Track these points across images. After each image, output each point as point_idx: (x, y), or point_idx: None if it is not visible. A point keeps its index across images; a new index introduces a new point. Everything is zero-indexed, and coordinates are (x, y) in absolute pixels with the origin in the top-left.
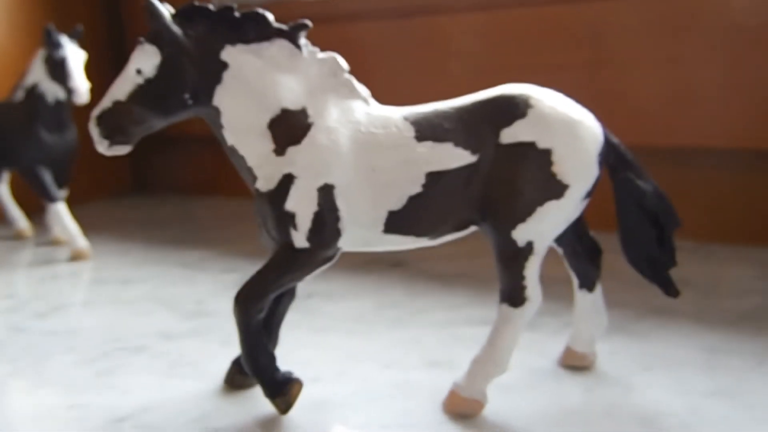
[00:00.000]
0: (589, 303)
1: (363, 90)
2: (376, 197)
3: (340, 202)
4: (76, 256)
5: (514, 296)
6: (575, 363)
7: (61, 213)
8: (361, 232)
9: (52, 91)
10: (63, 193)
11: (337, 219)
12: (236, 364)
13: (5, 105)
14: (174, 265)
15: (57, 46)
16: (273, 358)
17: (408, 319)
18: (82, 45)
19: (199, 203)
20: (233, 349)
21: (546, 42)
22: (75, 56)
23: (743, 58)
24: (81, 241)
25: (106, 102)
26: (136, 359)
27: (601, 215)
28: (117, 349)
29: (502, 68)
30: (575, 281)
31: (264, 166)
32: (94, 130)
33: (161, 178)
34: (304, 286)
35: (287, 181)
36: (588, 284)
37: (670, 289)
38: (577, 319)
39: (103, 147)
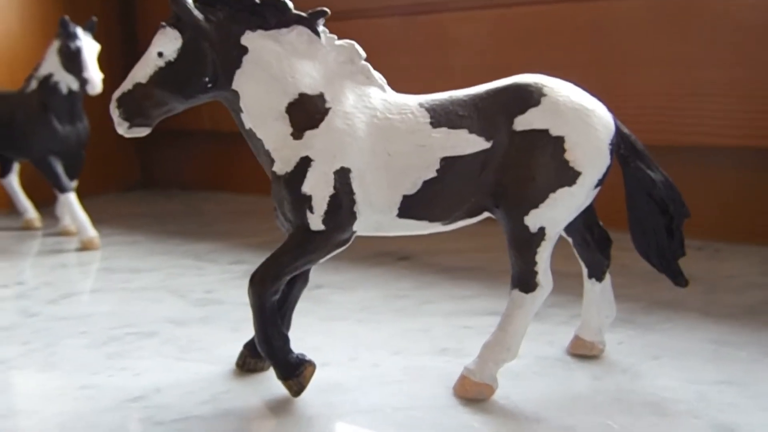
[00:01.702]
0: (597, 292)
1: (379, 77)
2: (391, 181)
3: (356, 186)
4: (85, 246)
5: (525, 282)
6: (583, 352)
7: (71, 203)
8: (375, 216)
9: (66, 81)
10: (74, 183)
11: (352, 202)
12: (248, 347)
13: (18, 95)
14: (183, 257)
15: (72, 37)
16: (287, 340)
17: (416, 309)
18: (96, 37)
19: (206, 198)
20: (244, 334)
21: (551, 40)
22: (89, 48)
23: (748, 56)
24: (90, 231)
25: (126, 84)
26: (147, 343)
27: (611, 213)
28: (128, 333)
29: (507, 66)
30: (584, 271)
31: (281, 149)
32: (114, 112)
33: (169, 174)
34: (313, 277)
35: (304, 163)
36: (597, 274)
37: (678, 278)
38: (585, 308)
39: (122, 129)
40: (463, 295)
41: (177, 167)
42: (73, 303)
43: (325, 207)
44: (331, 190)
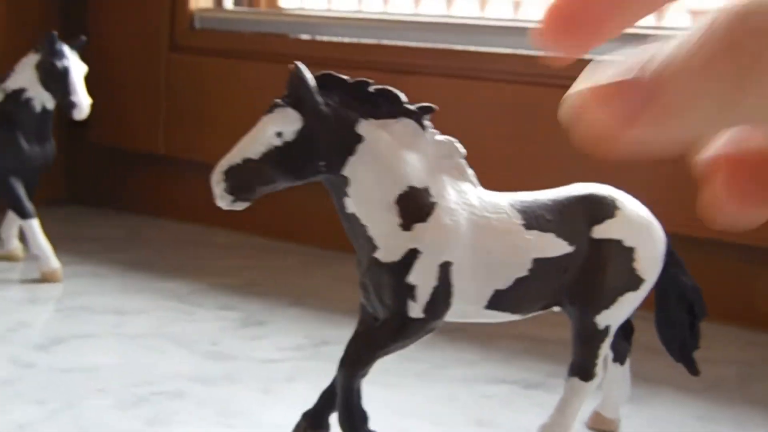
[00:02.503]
0: (619, 374)
1: (471, 174)
2: (486, 276)
3: (455, 279)
4: (47, 278)
5: (585, 371)
6: (603, 427)
7: (34, 229)
8: (464, 306)
9: (41, 99)
10: None
11: (450, 294)
12: (307, 418)
13: None
14: (163, 297)
15: (59, 55)
16: (367, 420)
17: (432, 373)
18: (82, 57)
19: (146, 224)
20: (277, 397)
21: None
22: (77, 68)
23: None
24: (54, 261)
25: (235, 158)
26: (180, 406)
27: None
28: (153, 393)
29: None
30: (610, 355)
31: (388, 238)
32: (219, 185)
33: (98, 193)
34: (317, 333)
35: (412, 255)
36: (621, 358)
37: (693, 368)
38: (607, 387)
39: (225, 202)
40: (470, 360)
41: (109, 187)
42: (70, 351)
43: (427, 297)
44: (434, 282)
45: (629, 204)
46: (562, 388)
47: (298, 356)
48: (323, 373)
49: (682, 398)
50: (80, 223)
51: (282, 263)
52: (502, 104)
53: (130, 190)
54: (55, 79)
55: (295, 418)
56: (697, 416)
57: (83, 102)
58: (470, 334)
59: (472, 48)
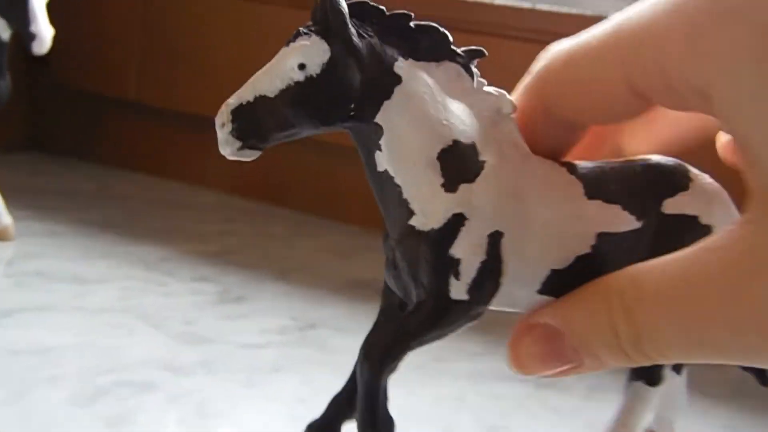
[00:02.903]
0: (676, 385)
1: (519, 133)
2: (542, 252)
3: (505, 254)
4: None
5: (652, 373)
6: None
7: None
8: (515, 289)
9: None
10: None
11: (500, 272)
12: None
13: None
14: (130, 263)
15: None
16: (394, 428)
17: (432, 367)
18: None
19: (117, 177)
20: (260, 390)
21: None
22: None
23: None
24: (5, 216)
25: (247, 95)
26: (149, 400)
27: None
28: (117, 383)
29: None
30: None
31: (427, 201)
32: (226, 126)
33: (63, 139)
34: (303, 315)
35: (457, 222)
36: (677, 366)
37: (764, 379)
38: (663, 401)
39: (231, 148)
40: (471, 352)
41: (74, 134)
42: (18, 327)
43: (473, 274)
44: (483, 256)
45: (703, 175)
46: (575, 390)
47: (283, 341)
48: (313, 363)
49: (707, 406)
50: (40, 174)
51: (266, 229)
52: (525, 65)
53: (98, 138)
54: (12, 5)
55: (284, 418)
56: (722, 425)
57: (44, 33)
58: None
59: (487, 0)
